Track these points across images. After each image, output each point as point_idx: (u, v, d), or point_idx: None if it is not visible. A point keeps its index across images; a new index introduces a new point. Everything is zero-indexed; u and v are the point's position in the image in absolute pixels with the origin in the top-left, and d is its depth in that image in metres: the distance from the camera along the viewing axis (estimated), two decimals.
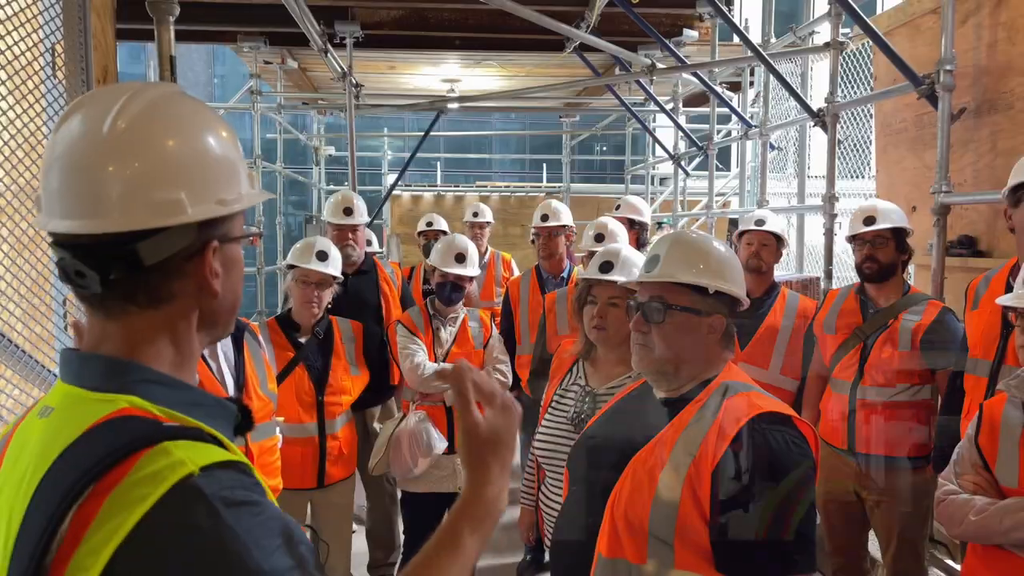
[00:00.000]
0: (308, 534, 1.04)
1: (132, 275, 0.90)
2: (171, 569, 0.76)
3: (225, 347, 2.74)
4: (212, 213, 0.93)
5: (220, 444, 0.87)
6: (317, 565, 0.86)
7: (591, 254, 3.57)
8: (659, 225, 7.10)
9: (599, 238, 3.85)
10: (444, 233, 5.43)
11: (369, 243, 4.57)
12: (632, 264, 2.49)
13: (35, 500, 0.82)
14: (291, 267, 3.42)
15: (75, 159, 0.89)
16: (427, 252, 5.45)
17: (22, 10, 1.91)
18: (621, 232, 3.92)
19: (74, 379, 0.92)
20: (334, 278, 3.42)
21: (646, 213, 4.73)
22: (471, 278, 3.68)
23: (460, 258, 3.62)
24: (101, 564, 0.76)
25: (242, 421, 1.02)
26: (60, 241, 0.90)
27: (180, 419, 0.88)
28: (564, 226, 4.33)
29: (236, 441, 0.97)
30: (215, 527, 0.77)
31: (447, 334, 3.61)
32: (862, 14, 4.06)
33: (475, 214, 5.78)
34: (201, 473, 0.80)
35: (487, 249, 5.64)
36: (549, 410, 2.51)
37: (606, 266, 2.50)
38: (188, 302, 0.95)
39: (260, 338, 2.98)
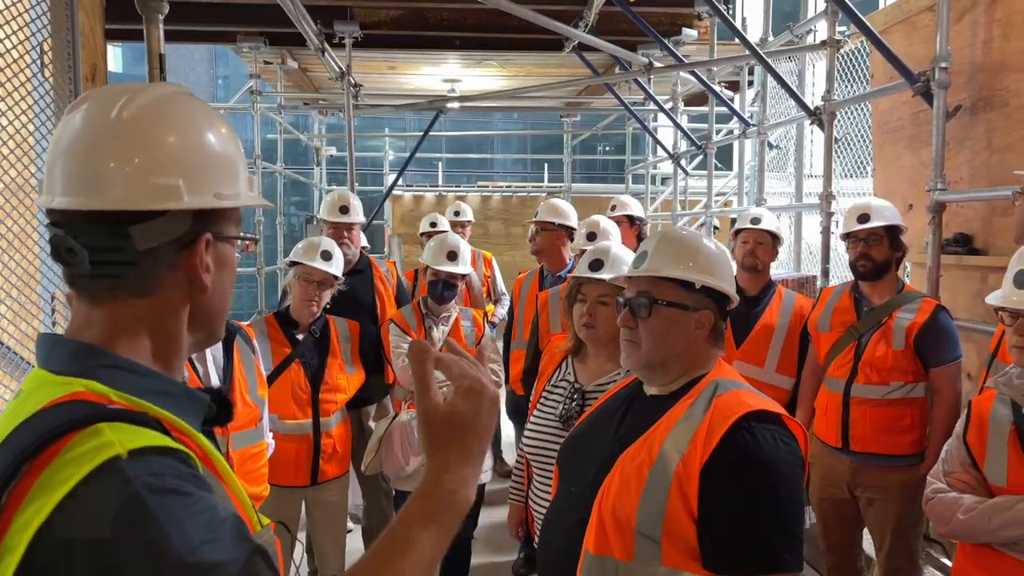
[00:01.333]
0: (276, 530, 1.00)
1: (122, 259, 0.90)
2: (87, 552, 0.74)
3: (215, 350, 2.73)
4: (208, 204, 0.94)
5: (166, 431, 0.84)
6: (266, 566, 0.81)
7: (584, 252, 3.57)
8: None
9: (591, 236, 3.84)
10: None
11: None
12: (622, 262, 2.48)
13: None
14: (293, 264, 3.43)
15: (79, 142, 0.91)
16: None
17: (7, 7, 1.91)
18: (613, 230, 3.91)
19: (43, 362, 0.92)
20: (336, 278, 3.43)
21: (637, 209, 4.76)
22: (463, 276, 3.68)
23: (452, 256, 3.61)
24: (24, 544, 0.74)
25: (218, 412, 0.99)
26: (56, 220, 0.91)
27: (141, 405, 0.86)
28: (552, 223, 4.24)
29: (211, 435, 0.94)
30: (135, 513, 0.75)
31: (439, 333, 3.60)
32: (858, 12, 4.05)
33: (456, 213, 5.85)
34: (129, 456, 0.77)
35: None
36: (537, 406, 2.50)
37: (596, 264, 2.48)
38: (177, 296, 0.94)
39: (254, 342, 2.97)
